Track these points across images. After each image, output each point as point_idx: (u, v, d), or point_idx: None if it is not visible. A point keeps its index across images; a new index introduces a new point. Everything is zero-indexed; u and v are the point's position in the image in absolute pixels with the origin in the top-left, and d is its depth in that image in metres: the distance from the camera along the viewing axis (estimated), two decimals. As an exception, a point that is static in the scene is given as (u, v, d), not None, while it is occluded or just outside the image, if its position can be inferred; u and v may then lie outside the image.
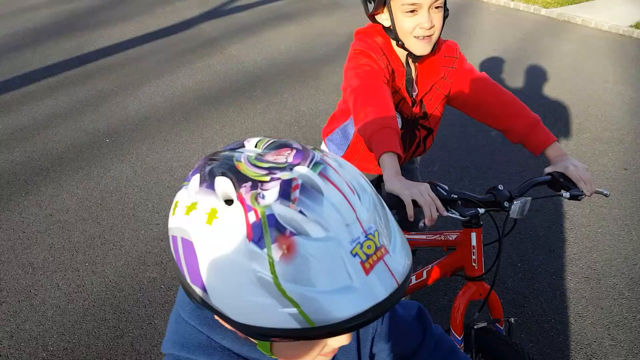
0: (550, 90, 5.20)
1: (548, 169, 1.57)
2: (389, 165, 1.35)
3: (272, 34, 6.81)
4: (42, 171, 3.74)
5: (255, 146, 0.67)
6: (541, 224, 3.21)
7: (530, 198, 1.44)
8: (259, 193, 0.58)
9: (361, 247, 0.57)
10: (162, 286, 2.72)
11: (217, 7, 8.08)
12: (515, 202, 1.41)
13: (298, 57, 6.03)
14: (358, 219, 0.58)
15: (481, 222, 1.59)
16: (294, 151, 0.64)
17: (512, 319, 1.67)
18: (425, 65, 1.71)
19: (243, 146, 0.68)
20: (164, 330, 2.46)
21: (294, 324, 0.56)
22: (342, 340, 0.66)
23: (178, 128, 4.37)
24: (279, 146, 0.65)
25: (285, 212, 0.56)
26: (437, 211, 1.28)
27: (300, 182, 0.58)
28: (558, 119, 4.58)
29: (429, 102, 1.76)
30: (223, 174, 0.61)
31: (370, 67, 1.57)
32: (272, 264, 0.55)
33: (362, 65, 1.58)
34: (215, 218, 0.59)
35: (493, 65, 5.76)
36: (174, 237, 0.65)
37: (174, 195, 0.69)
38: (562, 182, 1.50)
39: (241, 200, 0.58)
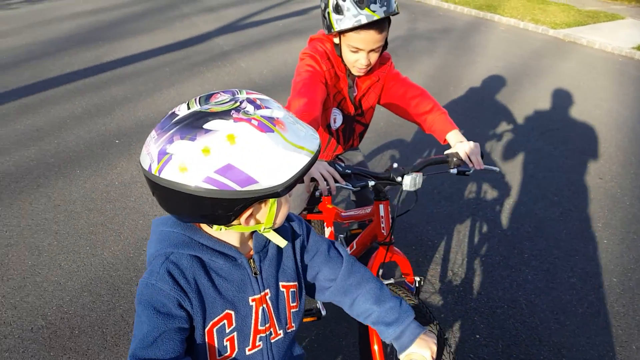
0: (542, 104, 5.39)
1: (447, 152, 1.83)
2: None
3: (280, 49, 7.13)
4: (54, 167, 4.06)
5: (190, 106, 0.96)
6: (510, 224, 3.41)
7: (421, 174, 1.71)
8: (243, 109, 0.91)
9: None
10: (154, 268, 2.97)
11: (232, 23, 8.45)
12: (406, 177, 1.69)
13: (303, 70, 6.30)
14: None
15: (388, 196, 1.85)
16: (221, 92, 0.97)
17: (419, 278, 1.93)
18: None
19: (179, 111, 0.96)
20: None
21: (304, 161, 0.93)
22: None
23: (183, 132, 4.65)
24: (209, 96, 0.97)
25: (265, 112, 0.92)
26: (336, 181, 1.56)
27: (252, 97, 0.95)
28: (545, 132, 4.77)
29: (366, 102, 2.08)
30: (206, 121, 0.90)
31: (313, 68, 1.88)
32: (281, 134, 0.91)
33: (305, 66, 1.89)
34: (236, 137, 0.88)
35: (491, 79, 5.96)
36: (209, 179, 0.89)
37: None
38: (455, 160, 1.76)
39: (239, 119, 0.90)
